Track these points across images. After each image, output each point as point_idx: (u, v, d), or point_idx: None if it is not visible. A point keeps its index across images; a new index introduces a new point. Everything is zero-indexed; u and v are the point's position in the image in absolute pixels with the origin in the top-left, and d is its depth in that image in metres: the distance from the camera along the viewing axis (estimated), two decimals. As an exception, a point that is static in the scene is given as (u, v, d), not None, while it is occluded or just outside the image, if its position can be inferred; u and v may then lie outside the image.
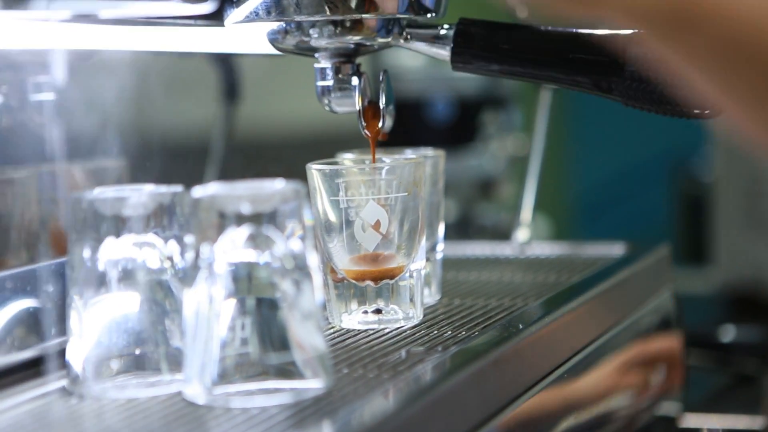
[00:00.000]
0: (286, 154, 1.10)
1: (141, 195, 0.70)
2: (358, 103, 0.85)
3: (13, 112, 0.78)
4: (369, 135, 0.85)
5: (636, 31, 0.78)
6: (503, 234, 1.99)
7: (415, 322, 0.83)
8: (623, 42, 0.78)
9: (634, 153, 3.65)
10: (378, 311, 0.82)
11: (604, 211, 3.65)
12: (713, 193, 2.02)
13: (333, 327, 0.83)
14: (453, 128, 2.09)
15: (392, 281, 0.82)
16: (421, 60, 2.02)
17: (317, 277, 0.69)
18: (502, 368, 0.74)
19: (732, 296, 1.81)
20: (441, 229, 0.93)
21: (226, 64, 1.06)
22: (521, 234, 1.15)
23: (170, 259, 0.70)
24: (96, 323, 0.70)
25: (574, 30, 0.81)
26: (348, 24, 0.82)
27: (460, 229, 1.96)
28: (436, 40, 0.83)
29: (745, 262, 1.80)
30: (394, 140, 0.89)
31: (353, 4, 0.79)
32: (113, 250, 0.69)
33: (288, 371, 0.67)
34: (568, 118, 3.62)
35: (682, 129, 1.69)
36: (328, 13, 0.79)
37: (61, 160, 0.82)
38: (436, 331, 0.81)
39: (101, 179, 0.86)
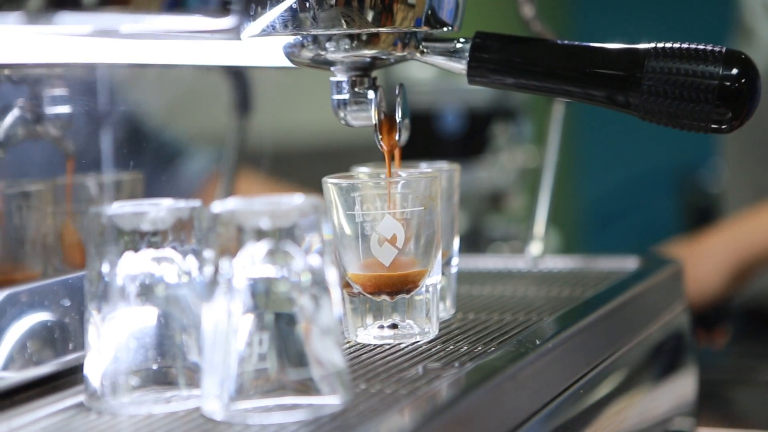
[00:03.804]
0: (300, 167, 1.10)
1: (160, 210, 0.70)
2: (374, 117, 0.84)
3: (29, 125, 0.78)
4: (385, 148, 0.85)
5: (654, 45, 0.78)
6: (513, 246, 1.99)
7: (431, 337, 0.83)
8: (640, 56, 0.78)
9: (641, 165, 3.65)
10: (394, 326, 0.82)
11: (611, 223, 3.65)
12: (721, 204, 2.02)
13: (348, 341, 0.82)
14: (463, 140, 2.09)
15: (408, 296, 0.82)
16: (431, 72, 2.02)
17: (336, 292, 0.69)
18: (520, 384, 0.74)
19: (740, 309, 1.80)
20: (456, 243, 0.93)
21: (239, 77, 1.06)
22: (534, 247, 1.15)
23: (188, 273, 0.70)
24: (114, 338, 0.69)
25: (591, 44, 0.81)
26: (364, 38, 0.82)
27: (470, 242, 1.95)
28: (452, 53, 0.83)
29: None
30: (404, 152, 0.89)
31: (370, 18, 0.79)
32: (132, 265, 0.69)
33: (306, 387, 0.67)
34: (576, 131, 3.62)
35: (689, 141, 1.69)
36: (344, 26, 0.79)
37: (76, 173, 0.82)
38: (452, 347, 0.81)
39: (117, 193, 0.86)
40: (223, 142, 1.05)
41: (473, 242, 1.98)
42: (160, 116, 0.92)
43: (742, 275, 1.57)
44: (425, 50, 0.84)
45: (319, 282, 0.67)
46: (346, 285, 0.82)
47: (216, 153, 1.08)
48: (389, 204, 0.80)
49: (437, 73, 2.02)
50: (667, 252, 1.60)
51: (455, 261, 0.93)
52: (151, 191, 0.89)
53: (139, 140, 0.90)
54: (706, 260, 1.55)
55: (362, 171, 0.92)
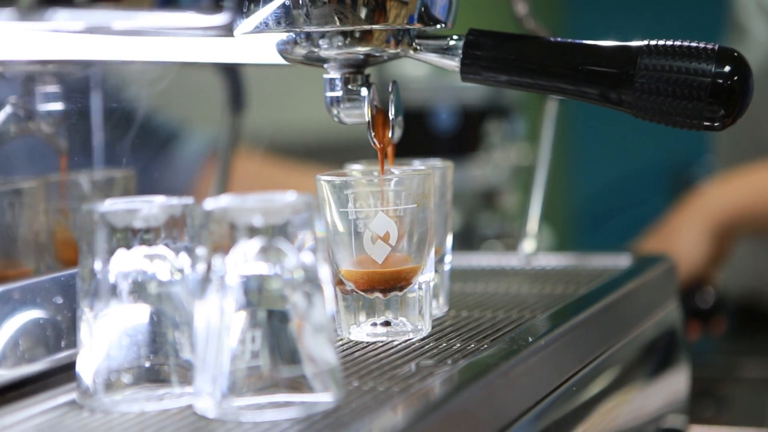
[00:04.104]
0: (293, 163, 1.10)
1: (152, 207, 0.70)
2: (367, 114, 0.84)
3: (21, 122, 0.78)
4: (378, 146, 0.85)
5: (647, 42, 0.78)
6: (507, 243, 1.99)
7: (424, 334, 0.83)
8: (633, 53, 0.78)
9: (635, 162, 3.66)
10: (387, 323, 0.82)
11: (604, 220, 3.66)
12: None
13: (341, 339, 0.82)
14: (457, 138, 2.09)
15: (401, 293, 0.82)
16: (424, 69, 2.02)
17: (329, 290, 0.69)
18: (512, 381, 0.74)
19: (733, 306, 1.81)
20: (449, 240, 0.93)
21: (232, 73, 1.06)
22: (527, 245, 1.15)
23: (181, 271, 0.70)
24: (106, 335, 0.69)
25: (584, 41, 0.81)
26: (357, 35, 0.82)
27: (463, 239, 1.96)
28: (446, 51, 0.83)
29: (746, 271, 1.80)
30: (398, 150, 0.89)
31: (363, 15, 0.79)
32: (124, 262, 0.69)
33: (298, 384, 0.67)
34: (569, 128, 3.63)
35: (683, 138, 1.69)
36: (337, 24, 0.79)
37: (69, 170, 0.82)
38: (444, 344, 0.81)
39: (110, 190, 0.86)
40: (216, 139, 1.05)
41: (466, 240, 1.98)
42: (153, 113, 0.92)
43: (722, 241, 1.56)
44: (418, 47, 0.84)
45: (311, 279, 0.67)
46: (338, 282, 0.82)
47: (209, 149, 1.08)
48: (382, 201, 0.80)
49: (431, 71, 2.02)
50: (644, 245, 1.60)
51: (448, 258, 0.93)
52: (144, 188, 0.89)
53: (132, 137, 0.90)
54: (684, 234, 1.54)
55: (355, 168, 0.91)
